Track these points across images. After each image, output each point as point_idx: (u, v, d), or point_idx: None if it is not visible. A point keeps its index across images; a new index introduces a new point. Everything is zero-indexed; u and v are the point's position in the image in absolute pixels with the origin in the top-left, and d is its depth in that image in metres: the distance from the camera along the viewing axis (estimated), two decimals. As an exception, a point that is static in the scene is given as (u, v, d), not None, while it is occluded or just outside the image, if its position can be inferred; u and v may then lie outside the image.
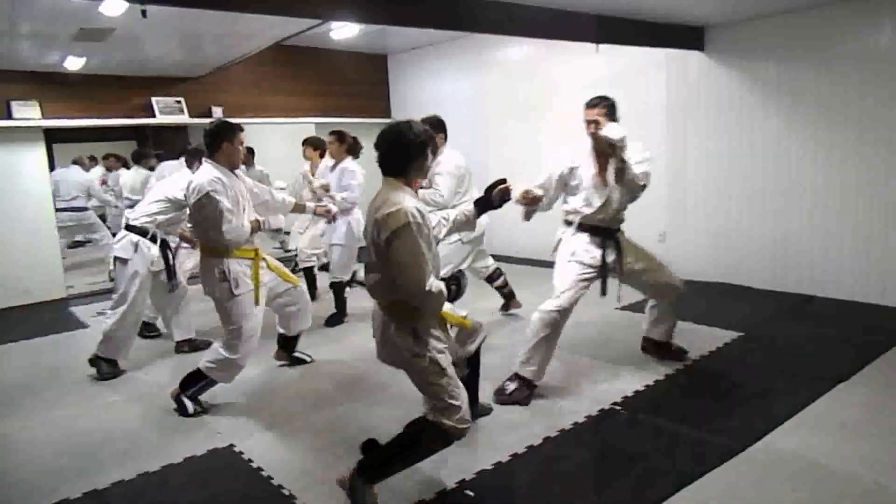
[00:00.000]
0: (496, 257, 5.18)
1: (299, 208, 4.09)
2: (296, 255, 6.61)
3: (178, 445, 3.14)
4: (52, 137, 8.41)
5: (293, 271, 6.69)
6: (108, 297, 5.32)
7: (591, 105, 3.56)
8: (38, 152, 6.36)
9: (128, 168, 7.28)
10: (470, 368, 3.00)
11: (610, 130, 3.38)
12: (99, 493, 2.74)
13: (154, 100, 6.89)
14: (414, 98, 8.31)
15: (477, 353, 2.99)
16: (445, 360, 2.45)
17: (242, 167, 3.72)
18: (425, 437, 2.46)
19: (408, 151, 2.40)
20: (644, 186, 3.52)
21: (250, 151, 6.94)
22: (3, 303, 6.14)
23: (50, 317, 5.90)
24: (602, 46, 5.85)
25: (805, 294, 5.25)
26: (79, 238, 7.80)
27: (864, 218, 4.93)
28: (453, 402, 2.43)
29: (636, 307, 5.06)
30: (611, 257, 3.63)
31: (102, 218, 9.15)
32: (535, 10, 4.30)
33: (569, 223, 3.74)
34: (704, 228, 5.89)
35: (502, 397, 3.48)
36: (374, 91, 8.58)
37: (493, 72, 7.49)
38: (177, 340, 4.60)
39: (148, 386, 4.00)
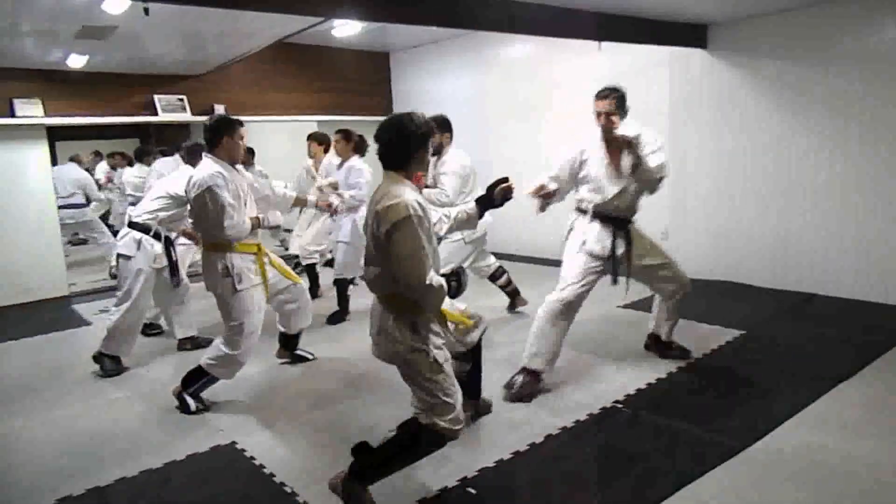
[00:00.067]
0: (497, 255, 5.18)
1: (301, 202, 4.09)
2: (296, 256, 6.62)
3: (181, 443, 3.15)
4: (55, 135, 8.44)
5: (295, 269, 6.72)
6: (111, 294, 5.34)
7: (601, 96, 3.57)
8: (41, 150, 6.38)
9: (132, 166, 7.30)
10: (471, 364, 3.00)
11: (625, 130, 3.42)
12: (101, 491, 2.75)
13: (156, 98, 6.89)
14: (416, 96, 8.30)
15: (478, 349, 2.99)
16: (442, 356, 2.43)
17: (241, 167, 3.72)
18: (418, 439, 2.44)
19: (408, 144, 2.38)
20: (661, 178, 3.53)
21: (250, 152, 6.95)
22: (5, 300, 6.15)
23: (52, 314, 5.91)
24: (604, 45, 5.85)
25: (806, 293, 5.25)
26: (79, 234, 7.79)
27: (866, 216, 4.92)
28: (447, 399, 2.40)
29: (638, 305, 5.08)
30: (620, 248, 3.64)
31: (105, 216, 9.17)
32: (536, 9, 4.29)
33: (581, 211, 3.75)
34: (706, 227, 5.89)
35: (511, 392, 3.49)
36: (376, 89, 8.58)
37: (495, 70, 7.49)
38: (179, 338, 4.61)
39: (150, 383, 4.01)
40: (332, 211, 4.48)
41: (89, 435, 3.31)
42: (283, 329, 4.10)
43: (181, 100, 7.04)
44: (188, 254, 5.00)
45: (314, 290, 5.98)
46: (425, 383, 2.40)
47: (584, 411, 3.27)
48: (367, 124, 5.93)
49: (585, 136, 3.70)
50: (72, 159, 8.12)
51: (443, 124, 4.49)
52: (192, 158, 4.41)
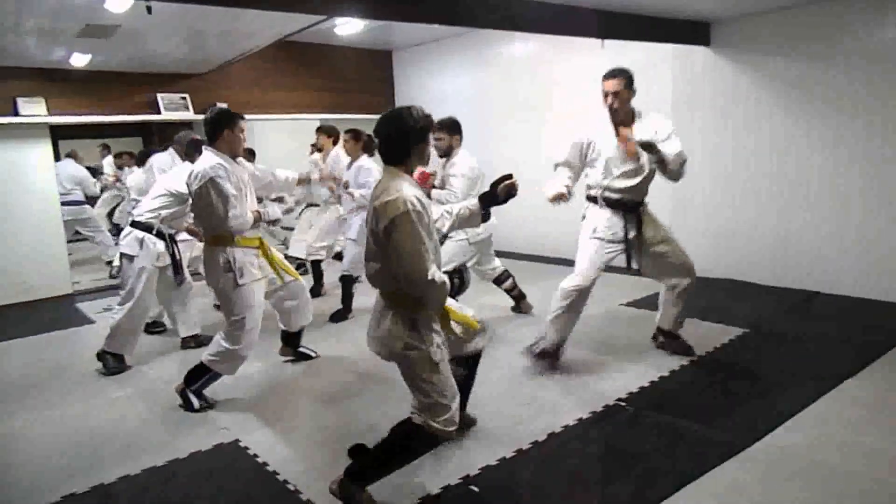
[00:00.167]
0: (499, 254, 5.18)
1: (303, 181, 4.07)
2: (297, 258, 6.63)
3: (184, 441, 3.16)
4: (58, 134, 8.46)
5: (298, 267, 6.73)
6: (114, 292, 5.36)
7: (608, 76, 3.60)
8: (44, 148, 6.39)
9: (140, 166, 7.30)
10: (466, 371, 2.94)
11: (641, 134, 3.50)
12: (105, 488, 2.77)
13: (159, 96, 6.90)
14: (418, 94, 8.30)
15: (476, 361, 2.93)
16: (440, 355, 2.40)
17: (241, 159, 3.72)
18: (412, 439, 2.43)
19: (407, 138, 2.38)
20: (684, 163, 3.58)
21: (251, 153, 6.95)
22: (9, 299, 6.17)
23: (56, 313, 5.93)
24: (607, 42, 5.84)
25: (808, 291, 5.24)
26: (79, 230, 7.79)
27: (868, 214, 4.91)
28: (442, 400, 2.38)
29: (641, 303, 5.08)
30: (632, 233, 3.66)
31: (111, 211, 9.18)
32: (538, 7, 4.29)
33: (591, 199, 3.77)
34: (708, 224, 5.88)
35: (532, 350, 3.84)
36: (379, 87, 8.58)
37: (497, 69, 7.48)
38: (183, 336, 4.62)
39: (153, 381, 4.03)
40: (331, 187, 4.43)
41: (93, 433, 3.33)
42: (283, 327, 4.11)
43: (184, 98, 7.05)
44: (187, 250, 5.00)
45: (317, 287, 5.99)
46: (421, 383, 2.38)
47: (587, 409, 3.27)
48: (369, 123, 5.90)
49: (593, 125, 3.76)
50: (68, 156, 8.12)
51: (452, 126, 4.49)
52: (190, 153, 4.41)
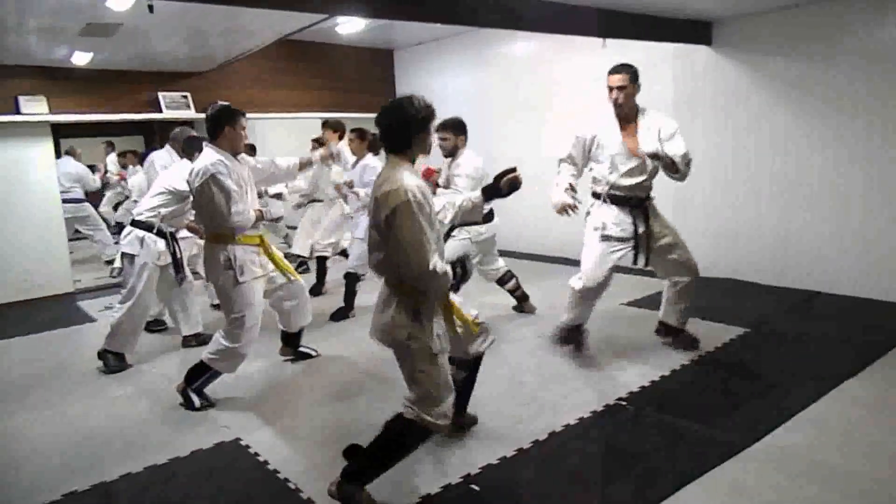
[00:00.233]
0: (500, 253, 5.17)
1: (305, 165, 4.07)
2: (299, 256, 6.65)
3: (185, 439, 3.17)
4: (59, 132, 8.45)
5: (298, 268, 6.74)
6: (116, 291, 5.37)
7: (614, 71, 3.63)
8: (46, 147, 6.40)
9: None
10: (468, 374, 2.94)
11: (646, 147, 3.55)
12: (107, 486, 2.77)
13: (160, 95, 6.90)
14: (419, 93, 8.27)
15: (477, 363, 2.92)
16: (440, 346, 2.41)
17: (243, 154, 3.72)
18: (405, 435, 2.44)
19: (409, 127, 2.38)
20: (690, 162, 3.63)
21: (252, 148, 6.96)
22: (10, 297, 6.18)
23: (57, 311, 5.93)
24: (609, 41, 5.83)
25: (809, 290, 5.24)
26: (78, 228, 7.80)
27: (870, 214, 4.91)
28: (437, 392, 2.39)
29: (642, 303, 5.08)
30: (641, 227, 3.68)
31: (116, 207, 9.19)
32: (539, 6, 4.28)
33: (596, 195, 3.78)
34: (708, 224, 5.87)
35: (556, 336, 4.05)
36: (380, 86, 8.57)
37: (498, 68, 7.47)
38: (184, 335, 4.63)
39: (155, 380, 4.03)
40: (328, 161, 4.40)
41: (94, 431, 3.33)
42: (283, 328, 4.10)
43: (185, 97, 7.05)
44: (187, 248, 5.00)
45: (319, 286, 5.99)
46: (418, 374, 2.39)
47: (588, 409, 3.27)
48: (370, 122, 5.94)
49: (595, 123, 3.77)
50: (67, 153, 8.12)
51: (458, 126, 4.51)
52: (187, 150, 4.40)
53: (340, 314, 5.17)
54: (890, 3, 4.61)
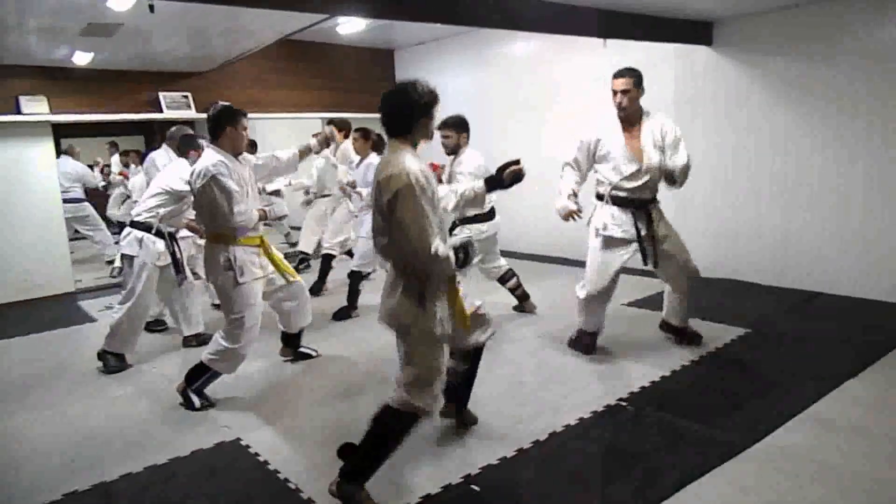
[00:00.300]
0: (502, 253, 5.17)
1: (304, 153, 4.07)
2: (303, 252, 6.65)
3: (185, 439, 3.17)
4: (60, 132, 8.43)
5: (300, 265, 6.76)
6: (116, 291, 5.37)
7: (618, 75, 3.65)
8: (46, 147, 6.40)
9: None
10: (468, 367, 2.96)
11: (650, 158, 3.65)
12: (107, 486, 2.77)
13: (161, 95, 6.91)
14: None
15: (478, 355, 2.94)
16: (441, 330, 2.42)
17: (246, 154, 3.72)
18: (394, 423, 2.45)
19: (412, 111, 2.38)
20: (689, 171, 3.68)
21: (252, 144, 6.98)
22: (11, 296, 6.18)
23: (58, 311, 5.94)
24: (609, 42, 5.83)
25: (809, 291, 5.24)
26: (78, 228, 7.79)
27: (871, 214, 4.90)
28: (429, 376, 2.41)
29: (643, 303, 5.08)
30: (643, 229, 3.70)
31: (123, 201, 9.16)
32: (539, 6, 4.29)
33: (600, 196, 3.79)
34: (709, 224, 5.87)
35: (571, 340, 4.09)
36: (380, 86, 8.37)
37: (498, 68, 7.47)
38: (185, 335, 4.62)
39: (155, 380, 4.03)
40: (324, 144, 4.39)
41: (94, 431, 3.33)
42: (283, 328, 4.10)
43: (186, 97, 7.05)
44: (187, 249, 5.00)
45: (320, 284, 5.98)
46: (416, 356, 2.41)
47: (588, 409, 3.27)
48: (370, 122, 5.95)
49: (594, 124, 3.80)
50: (65, 153, 8.10)
51: (460, 124, 4.52)
52: (183, 149, 4.40)
53: (343, 313, 5.16)
54: (890, 3, 4.61)
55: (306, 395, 3.71)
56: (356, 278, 5.18)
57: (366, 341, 4.52)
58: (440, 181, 4.45)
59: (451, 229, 4.42)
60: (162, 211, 4.25)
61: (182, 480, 2.81)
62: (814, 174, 5.17)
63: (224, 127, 3.44)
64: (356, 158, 5.34)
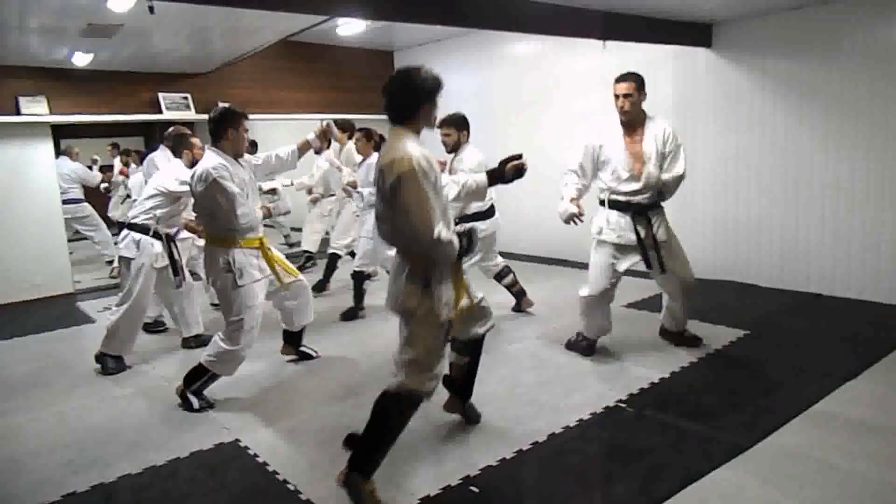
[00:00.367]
0: (502, 254, 5.17)
1: (303, 148, 4.05)
2: (306, 251, 6.64)
3: (185, 440, 3.16)
4: (59, 133, 8.43)
5: (305, 263, 6.76)
6: (115, 291, 5.35)
7: (621, 79, 3.65)
8: (46, 147, 6.40)
9: None
10: (469, 360, 2.97)
11: (650, 166, 3.65)
12: (106, 487, 2.76)
13: (161, 96, 6.91)
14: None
15: (479, 348, 2.96)
16: (446, 314, 2.43)
17: (248, 155, 3.72)
18: (395, 408, 2.45)
19: (416, 96, 2.40)
20: (682, 181, 3.72)
21: (253, 144, 6.98)
22: (11, 297, 6.18)
23: (58, 311, 5.93)
24: (609, 43, 5.83)
25: (812, 292, 5.23)
26: (77, 229, 7.78)
27: (873, 215, 4.90)
28: (429, 359, 2.42)
29: (643, 304, 5.08)
30: (643, 233, 3.69)
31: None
32: (540, 7, 4.29)
33: (602, 202, 3.80)
34: (711, 226, 5.87)
35: (570, 341, 4.09)
36: (380, 87, 8.55)
37: (499, 69, 7.48)
38: (184, 336, 4.61)
39: (155, 380, 4.03)
40: (322, 138, 4.40)
41: (94, 431, 3.33)
42: (285, 326, 4.10)
43: (186, 98, 7.06)
44: (185, 251, 4.99)
45: (323, 283, 5.99)
46: (417, 338, 2.42)
47: (588, 410, 3.26)
48: (370, 123, 5.96)
49: (602, 126, 3.79)
50: (63, 153, 8.09)
51: (460, 122, 4.55)
52: (175, 148, 4.39)
53: (351, 314, 5.17)
54: (891, 3, 4.61)
55: (306, 395, 3.71)
56: (359, 278, 5.18)
57: (366, 342, 4.52)
58: None
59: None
60: (159, 212, 4.25)
61: (181, 481, 2.80)
62: (814, 175, 5.17)
63: (225, 129, 3.44)
64: (358, 159, 5.34)
